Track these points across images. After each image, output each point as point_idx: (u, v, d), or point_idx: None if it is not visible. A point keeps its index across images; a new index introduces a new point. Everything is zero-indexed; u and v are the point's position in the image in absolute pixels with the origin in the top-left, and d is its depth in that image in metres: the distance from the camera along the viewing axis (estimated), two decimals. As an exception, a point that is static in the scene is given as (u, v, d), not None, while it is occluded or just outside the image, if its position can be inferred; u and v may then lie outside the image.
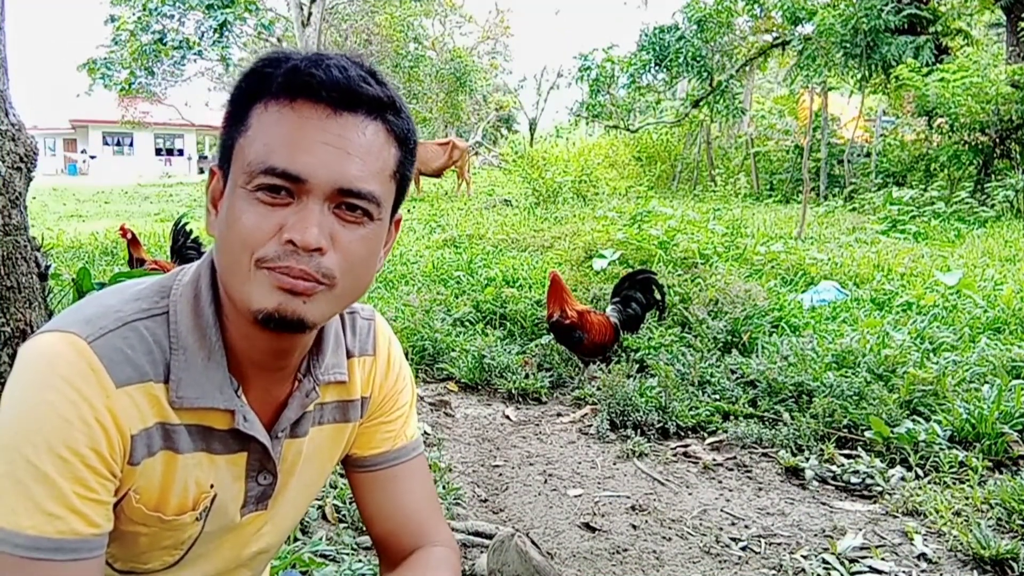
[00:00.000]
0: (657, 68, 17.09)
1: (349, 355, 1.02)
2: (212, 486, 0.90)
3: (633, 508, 2.63)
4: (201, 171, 37.44)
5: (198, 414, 0.87)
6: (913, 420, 3.12)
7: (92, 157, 36.64)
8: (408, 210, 12.64)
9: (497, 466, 3.01)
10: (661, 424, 3.32)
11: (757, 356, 3.89)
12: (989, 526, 2.36)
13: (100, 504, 0.80)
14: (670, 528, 2.50)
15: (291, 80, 0.80)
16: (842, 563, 2.23)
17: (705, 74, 16.13)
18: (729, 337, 4.20)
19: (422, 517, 1.08)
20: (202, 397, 0.86)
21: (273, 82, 0.81)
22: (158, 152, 39.13)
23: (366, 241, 0.84)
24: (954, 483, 2.71)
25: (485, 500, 2.70)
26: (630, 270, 5.31)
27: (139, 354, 0.83)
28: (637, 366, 3.98)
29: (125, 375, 0.81)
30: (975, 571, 2.20)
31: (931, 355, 3.80)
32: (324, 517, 2.36)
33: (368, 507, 1.08)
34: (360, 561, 2.05)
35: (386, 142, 0.84)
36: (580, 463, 3.04)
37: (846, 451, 3.03)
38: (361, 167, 0.81)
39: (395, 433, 1.08)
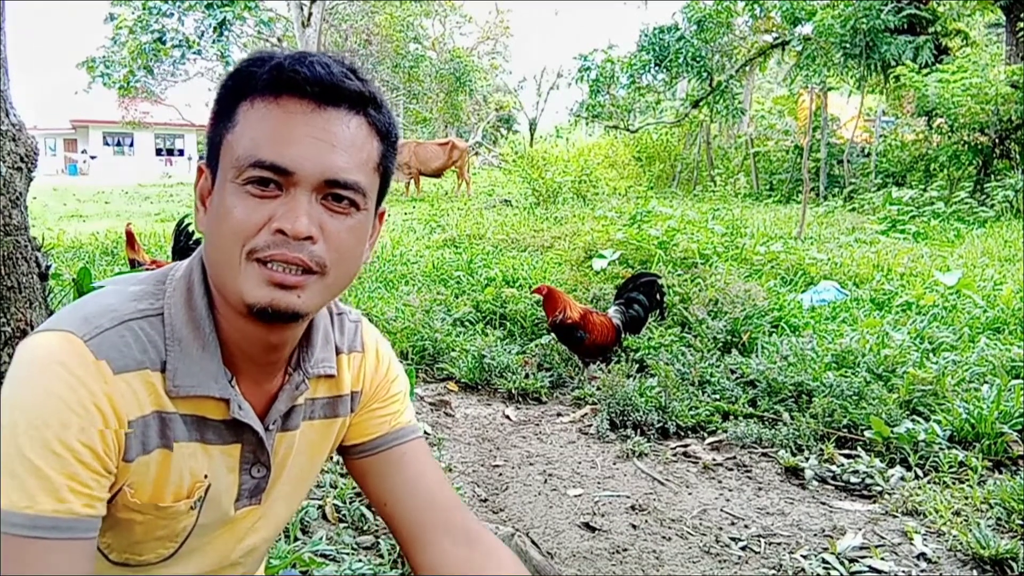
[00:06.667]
0: (657, 68, 17.08)
1: (338, 352, 1.04)
2: (206, 476, 0.92)
3: (633, 508, 2.64)
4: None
5: (194, 403, 0.89)
6: (913, 420, 3.12)
7: (92, 157, 36.59)
8: (408, 211, 12.64)
9: (497, 466, 3.01)
10: (661, 424, 3.32)
11: (757, 356, 3.89)
12: (989, 526, 2.36)
13: (93, 487, 0.81)
14: (670, 528, 2.50)
15: (276, 77, 0.82)
16: (842, 563, 2.23)
17: (705, 74, 16.13)
18: (729, 337, 4.20)
19: (445, 496, 1.06)
20: (198, 386, 0.88)
21: (259, 79, 0.83)
22: (158, 152, 39.09)
23: (353, 230, 0.87)
24: (954, 483, 2.71)
25: (485, 500, 2.70)
26: (631, 270, 5.32)
27: (135, 350, 0.85)
28: (637, 366, 3.98)
29: (123, 363, 0.83)
30: (975, 571, 2.20)
31: (931, 355, 3.80)
32: (324, 517, 2.36)
33: (383, 494, 1.06)
34: (360, 561, 2.06)
35: (369, 135, 0.87)
36: (580, 463, 3.04)
37: (846, 451, 3.03)
38: (346, 159, 0.84)
39: (392, 416, 1.09)
